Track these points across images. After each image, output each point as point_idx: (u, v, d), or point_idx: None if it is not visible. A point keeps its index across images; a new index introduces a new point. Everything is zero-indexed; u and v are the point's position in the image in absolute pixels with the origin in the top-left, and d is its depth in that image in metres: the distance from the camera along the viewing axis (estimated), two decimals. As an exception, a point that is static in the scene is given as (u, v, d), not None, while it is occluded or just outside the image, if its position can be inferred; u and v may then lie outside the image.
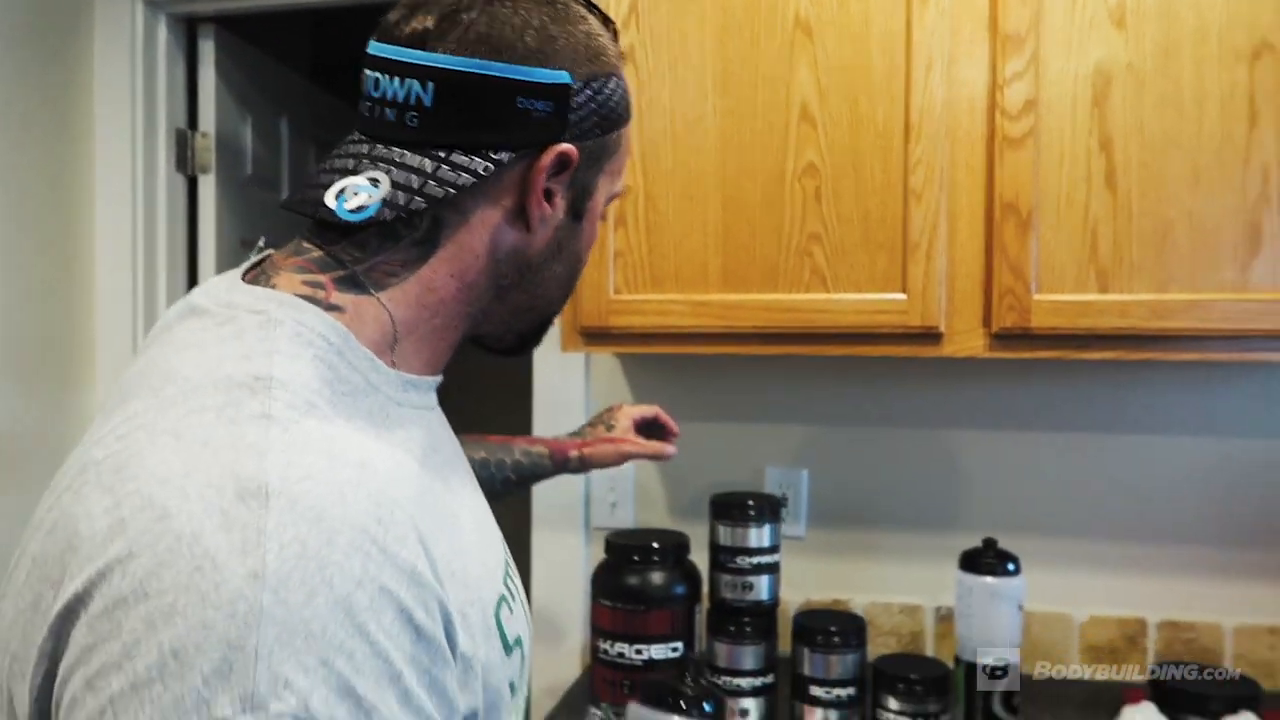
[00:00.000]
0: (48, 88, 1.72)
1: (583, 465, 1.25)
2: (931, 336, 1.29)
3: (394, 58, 0.63)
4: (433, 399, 0.70)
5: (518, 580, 0.72)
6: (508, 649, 0.63)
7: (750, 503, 1.30)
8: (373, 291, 0.63)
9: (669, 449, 1.25)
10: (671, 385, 1.67)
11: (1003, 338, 1.28)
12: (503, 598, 0.64)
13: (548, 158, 0.64)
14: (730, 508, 1.31)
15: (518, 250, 0.67)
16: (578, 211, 0.69)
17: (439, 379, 0.70)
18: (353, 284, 0.63)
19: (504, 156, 0.63)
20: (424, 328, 0.66)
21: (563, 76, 0.64)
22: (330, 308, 0.61)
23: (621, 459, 1.25)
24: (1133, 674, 1.50)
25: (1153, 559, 1.53)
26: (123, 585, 0.48)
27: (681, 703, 0.78)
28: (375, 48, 0.65)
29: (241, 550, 0.48)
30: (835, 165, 1.30)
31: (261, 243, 0.73)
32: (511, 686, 0.63)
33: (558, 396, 1.68)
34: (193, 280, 1.93)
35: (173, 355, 0.59)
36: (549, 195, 0.66)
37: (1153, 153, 1.24)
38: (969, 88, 1.28)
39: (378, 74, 0.64)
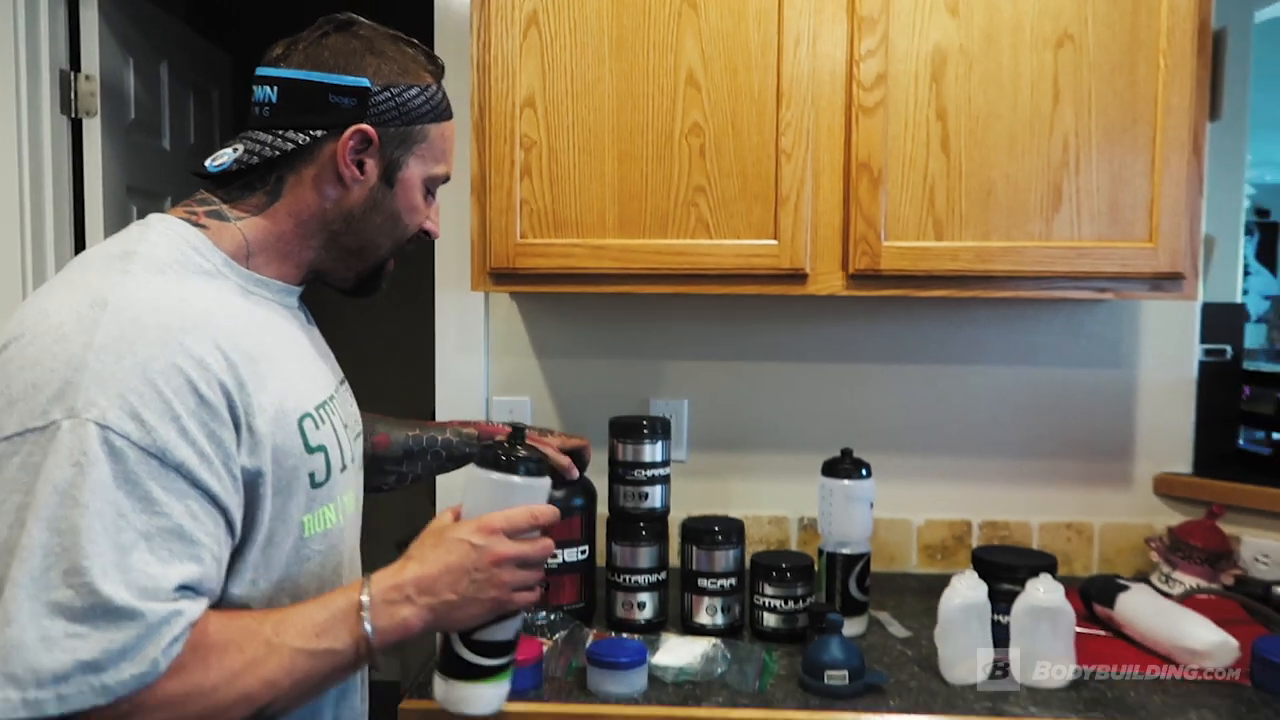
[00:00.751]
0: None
1: None
2: (799, 277, 1.49)
3: (260, 72, 0.95)
4: (287, 300, 0.98)
5: (342, 422, 0.99)
6: (309, 449, 0.89)
7: (644, 423, 1.47)
8: (232, 220, 0.93)
9: (574, 472, 1.37)
10: (564, 325, 1.83)
11: (858, 278, 1.49)
12: (309, 415, 0.91)
13: (349, 133, 0.93)
14: (628, 427, 1.48)
15: (338, 203, 0.95)
16: (389, 179, 0.97)
17: (295, 289, 0.99)
18: (218, 216, 0.93)
19: (319, 133, 0.93)
20: (270, 250, 0.94)
21: (363, 81, 0.94)
22: (197, 225, 0.91)
23: None
24: (960, 568, 1.77)
25: (976, 470, 1.81)
26: (12, 350, 0.77)
27: (512, 463, 0.90)
28: (257, 69, 0.96)
29: (83, 332, 0.76)
30: (717, 126, 1.48)
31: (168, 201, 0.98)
32: (311, 477, 0.90)
33: (459, 336, 1.80)
34: (79, 226, 1.92)
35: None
36: (360, 164, 0.95)
37: (979, 123, 1.47)
38: (831, 61, 1.47)
39: (254, 85, 0.95)
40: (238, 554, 0.84)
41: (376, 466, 1.33)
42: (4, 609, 0.70)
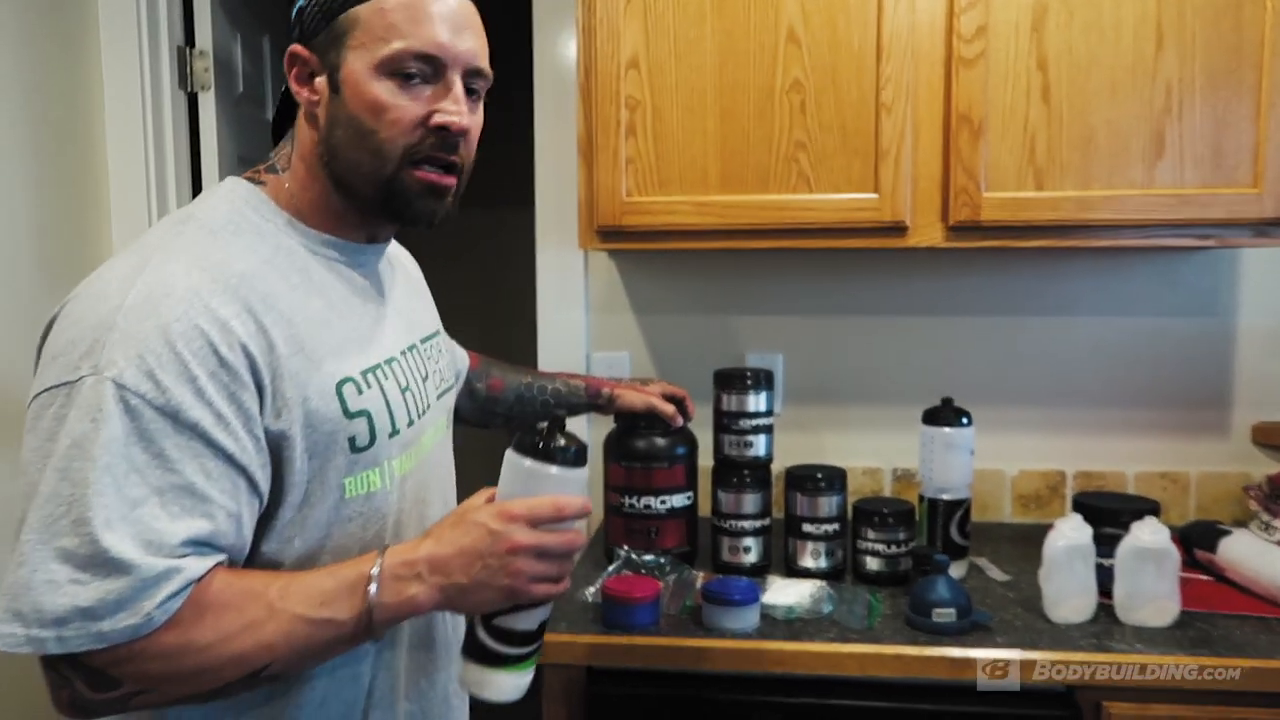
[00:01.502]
0: (57, 9, 1.78)
1: (610, 404, 1.47)
2: (899, 230, 1.52)
3: None
4: (359, 259, 0.96)
5: (415, 377, 0.99)
6: (347, 414, 0.88)
7: (748, 374, 1.52)
8: (280, 171, 0.94)
9: (679, 420, 1.46)
10: (660, 281, 1.88)
11: (958, 230, 1.51)
12: (351, 380, 0.89)
13: (286, 59, 0.92)
14: (732, 378, 1.53)
15: (316, 130, 0.91)
16: (335, 86, 0.89)
17: (365, 247, 0.97)
18: (271, 169, 0.94)
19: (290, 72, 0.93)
20: (305, 198, 0.93)
21: (299, 3, 0.91)
22: (256, 182, 0.93)
23: (645, 408, 1.46)
24: (1055, 518, 1.79)
25: (1070, 421, 1.82)
26: (65, 309, 0.82)
27: (546, 450, 0.85)
28: None
29: (119, 294, 0.79)
30: (817, 81, 1.50)
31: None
32: (351, 442, 0.88)
33: (560, 293, 1.87)
34: (196, 195, 2.02)
35: None
36: (311, 87, 0.91)
37: (1080, 71, 1.47)
38: (930, 15, 1.48)
39: None
40: (271, 513, 0.85)
41: (488, 407, 1.42)
42: (19, 549, 0.74)
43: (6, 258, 1.66)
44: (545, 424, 0.87)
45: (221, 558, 0.80)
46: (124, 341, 0.76)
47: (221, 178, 2.00)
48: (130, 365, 0.75)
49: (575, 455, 0.87)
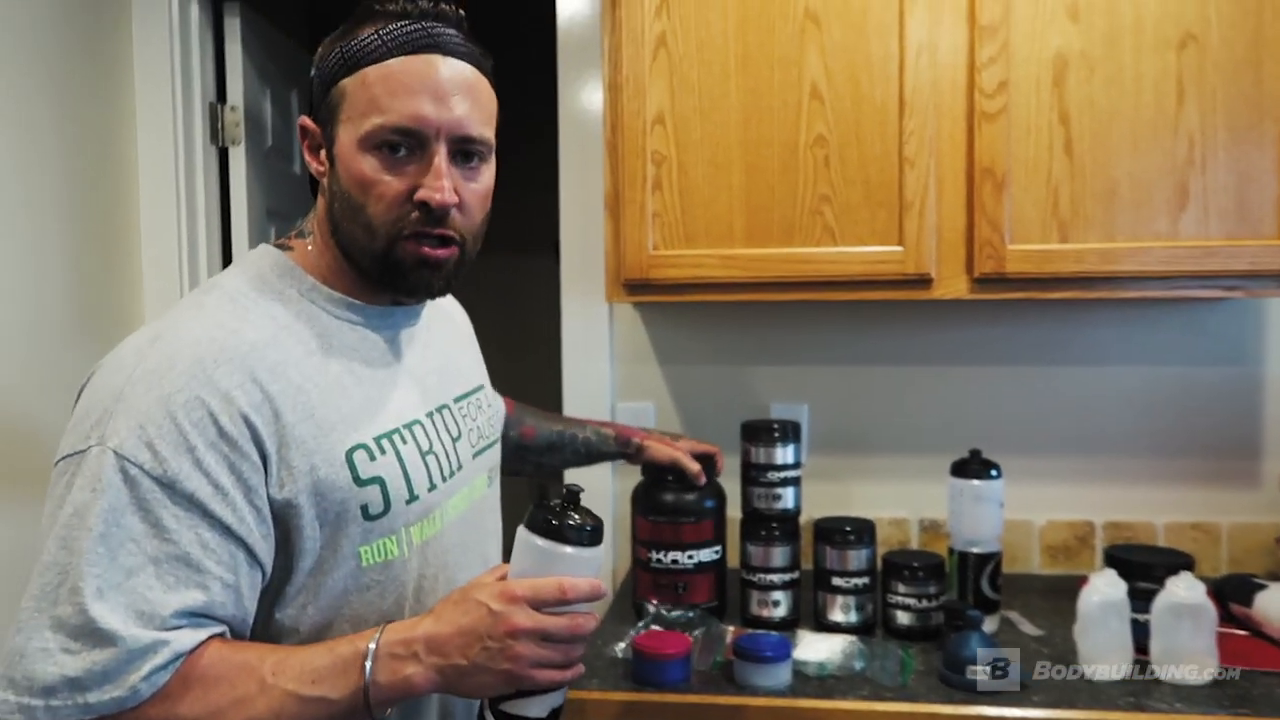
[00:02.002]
0: (93, 65, 1.83)
1: (639, 454, 1.47)
2: (923, 282, 1.52)
3: None
4: (384, 323, 0.96)
5: (443, 436, 0.99)
6: (358, 482, 0.86)
7: (776, 425, 1.53)
8: (306, 236, 0.95)
9: (702, 479, 1.46)
10: (685, 331, 1.89)
11: (982, 281, 1.52)
12: (363, 447, 0.88)
13: (299, 131, 0.94)
14: (760, 431, 1.53)
15: (325, 200, 0.93)
16: (331, 159, 0.90)
17: (391, 309, 0.96)
18: (300, 235, 0.96)
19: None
20: (324, 262, 0.93)
21: (312, 76, 0.93)
22: (283, 248, 0.95)
23: (671, 462, 1.46)
24: (1084, 569, 1.78)
25: (1098, 470, 1.81)
26: (90, 379, 0.84)
27: (558, 529, 0.83)
28: None
29: (131, 365, 0.81)
30: (841, 136, 1.52)
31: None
32: (364, 510, 0.87)
33: (585, 343, 1.88)
34: (227, 249, 2.06)
35: None
36: (315, 153, 0.92)
37: (1102, 125, 1.48)
38: (952, 70, 1.51)
39: None
40: (284, 580, 0.85)
41: (520, 454, 1.43)
42: (19, 615, 0.75)
43: (43, 311, 1.69)
44: (559, 501, 0.85)
45: (217, 629, 0.80)
46: (128, 412, 0.77)
47: (251, 229, 2.05)
48: (131, 435, 0.76)
49: (590, 534, 0.84)
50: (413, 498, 0.91)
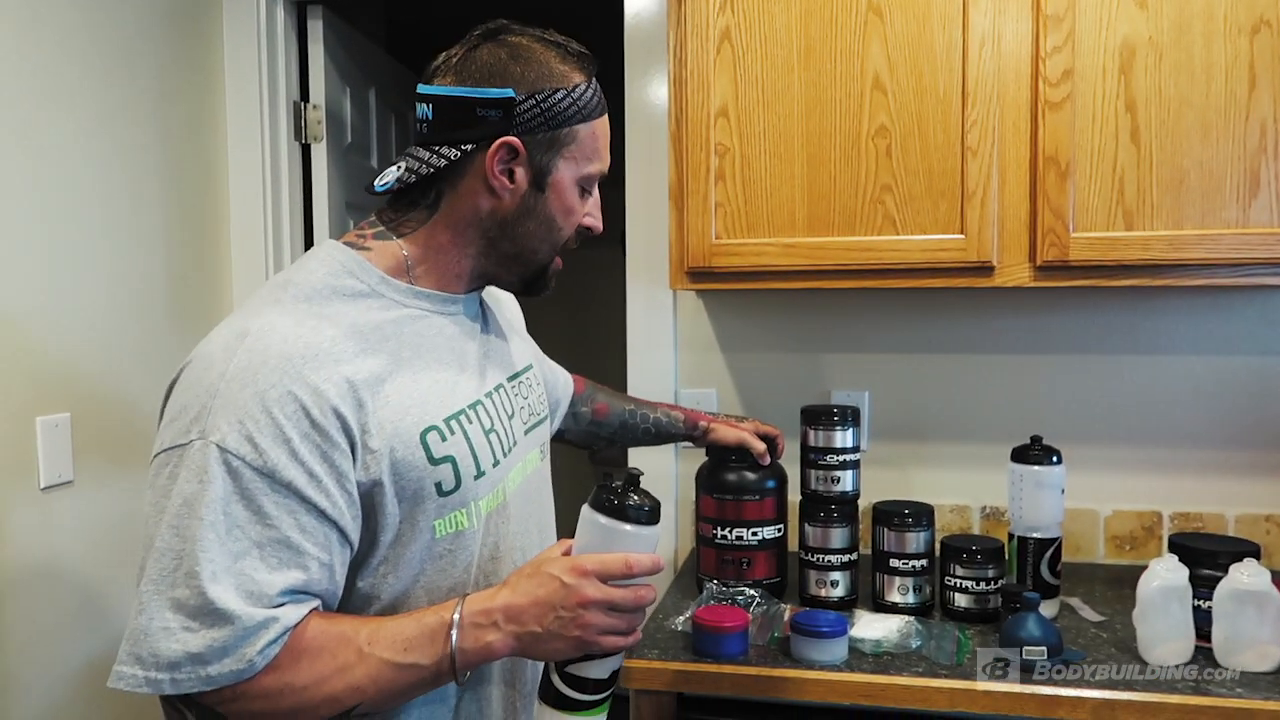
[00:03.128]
0: (187, 68, 1.94)
1: (705, 436, 1.54)
2: (985, 269, 1.54)
3: (419, 90, 1.00)
4: (449, 308, 1.02)
5: (501, 415, 1.05)
6: (432, 461, 0.92)
7: (835, 410, 1.55)
8: (395, 238, 1.00)
9: (768, 458, 1.54)
10: (747, 319, 1.93)
11: (1045, 269, 1.52)
12: (435, 428, 0.94)
13: (495, 145, 0.96)
14: (819, 415, 1.56)
15: (493, 212, 0.99)
16: (540, 184, 0.99)
17: (457, 296, 1.03)
18: (383, 236, 1.00)
19: (469, 147, 0.97)
20: (430, 261, 1.00)
21: (508, 92, 0.96)
22: (360, 248, 0.98)
23: (738, 442, 1.52)
24: (1150, 559, 1.76)
25: (1166, 461, 1.80)
26: (181, 374, 0.89)
27: (620, 508, 0.90)
28: (418, 86, 1.01)
29: (223, 361, 0.86)
30: (903, 126, 1.54)
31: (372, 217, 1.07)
32: (438, 487, 0.93)
33: (649, 331, 1.93)
34: (309, 240, 2.16)
35: None
36: (510, 174, 0.98)
37: (1170, 112, 1.48)
38: (1015, 59, 1.51)
39: (415, 102, 1.01)
40: (366, 553, 0.91)
41: (593, 430, 1.50)
42: (138, 598, 0.82)
43: (145, 296, 1.81)
44: (621, 482, 0.92)
45: (316, 604, 0.86)
46: (226, 408, 0.83)
47: (331, 222, 2.14)
48: (232, 430, 0.82)
49: (649, 514, 0.91)
50: (480, 473, 0.97)
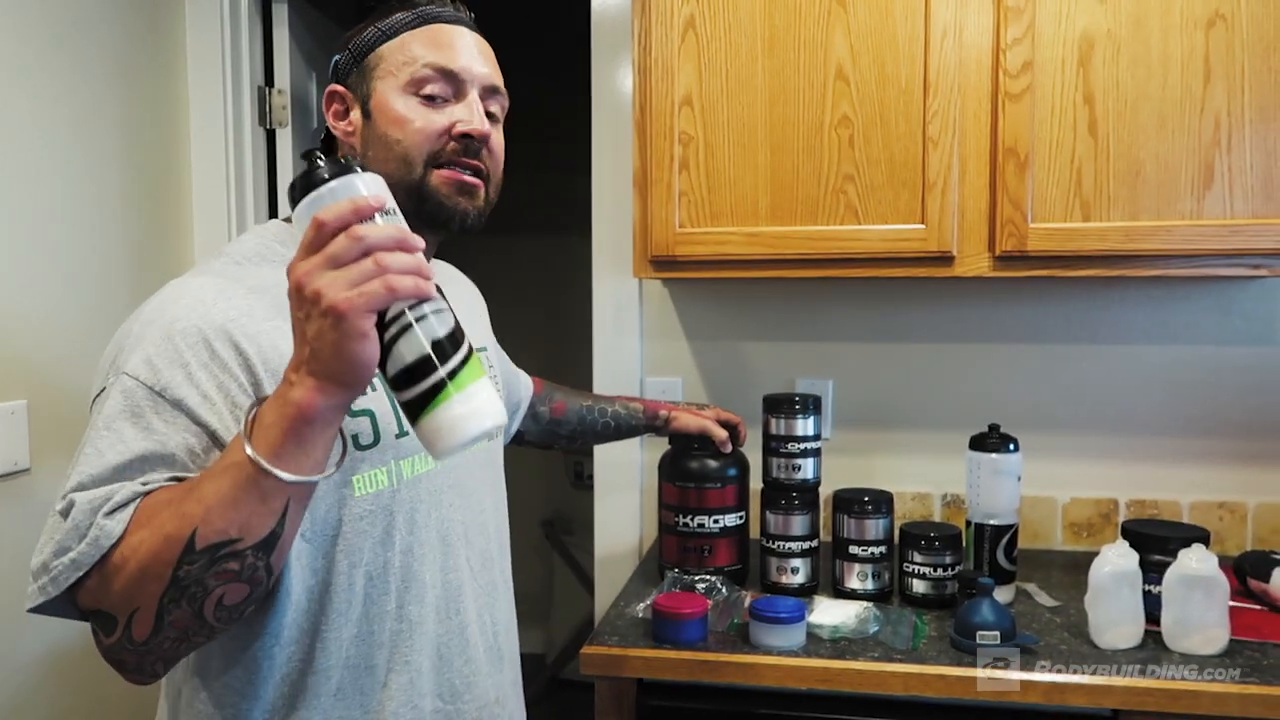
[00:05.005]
0: (148, 51, 1.92)
1: (667, 425, 1.54)
2: (945, 259, 1.55)
3: None
4: None
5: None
6: (349, 411, 0.82)
7: (797, 398, 1.57)
8: None
9: (729, 446, 1.54)
10: (712, 308, 1.93)
11: (1004, 259, 1.54)
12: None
13: (324, 100, 1.04)
14: (780, 403, 1.57)
15: (358, 154, 1.01)
16: (367, 112, 1.00)
17: None
18: None
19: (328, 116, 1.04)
20: None
21: (336, 57, 1.04)
22: (288, 221, 0.99)
23: (699, 430, 1.53)
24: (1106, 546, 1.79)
25: (1123, 449, 1.83)
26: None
27: (295, 183, 0.75)
28: None
29: (144, 312, 0.90)
30: (865, 117, 1.55)
31: None
32: (355, 439, 0.92)
33: (615, 320, 1.93)
34: (274, 225, 2.14)
35: None
36: (346, 118, 1.02)
37: (1127, 105, 1.49)
38: (977, 51, 1.53)
39: None
40: None
41: (551, 429, 1.50)
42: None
43: (107, 288, 1.79)
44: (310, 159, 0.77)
45: (179, 475, 0.83)
46: (135, 344, 0.87)
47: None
48: (134, 358, 0.86)
49: (332, 167, 0.74)
50: (402, 433, 0.96)
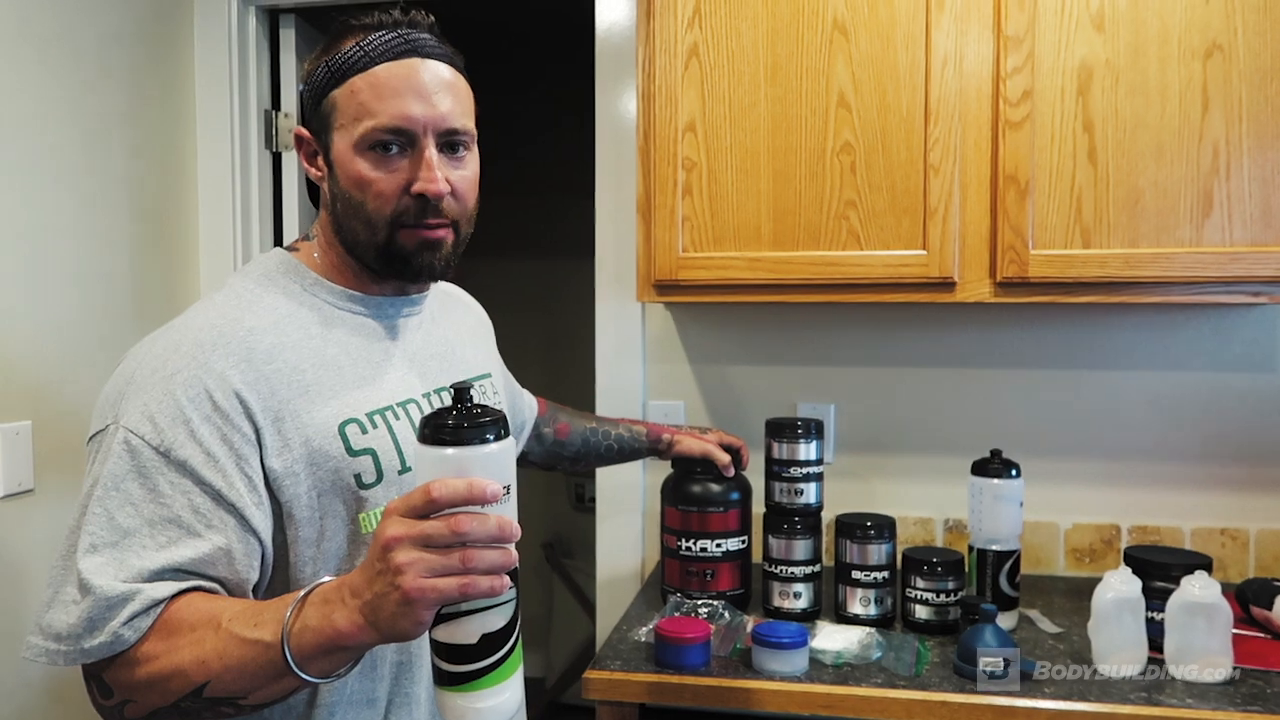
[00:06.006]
0: (158, 75, 1.94)
1: (669, 449, 1.55)
2: (947, 285, 1.56)
3: None
4: (386, 312, 1.03)
5: (410, 428, 0.99)
6: (351, 452, 0.93)
7: (799, 423, 1.57)
8: (311, 239, 1.03)
9: (731, 470, 1.54)
10: (715, 332, 1.94)
11: (1005, 285, 1.55)
12: (354, 421, 0.94)
13: (295, 142, 1.02)
14: (783, 427, 1.58)
15: (326, 203, 1.01)
16: (330, 165, 0.98)
17: (394, 299, 1.03)
18: (305, 238, 1.04)
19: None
20: (329, 260, 1.01)
21: (301, 91, 1.02)
22: (291, 250, 1.03)
23: (702, 454, 1.54)
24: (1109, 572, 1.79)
25: (1124, 475, 1.83)
26: (117, 366, 0.93)
27: (427, 431, 0.75)
28: None
29: (145, 352, 0.91)
30: (867, 144, 1.57)
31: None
32: (358, 479, 0.93)
33: (618, 343, 1.94)
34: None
35: None
36: (311, 161, 1.00)
37: (1126, 133, 1.51)
38: (977, 79, 1.54)
39: None
40: (292, 550, 0.91)
41: (555, 450, 1.50)
42: (50, 574, 0.84)
43: (113, 311, 1.79)
44: (450, 406, 0.77)
45: (204, 585, 0.85)
46: (137, 393, 0.86)
47: (301, 231, 2.14)
48: (136, 412, 0.85)
49: (455, 430, 0.74)
50: (405, 469, 0.96)
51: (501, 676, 0.77)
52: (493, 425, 0.75)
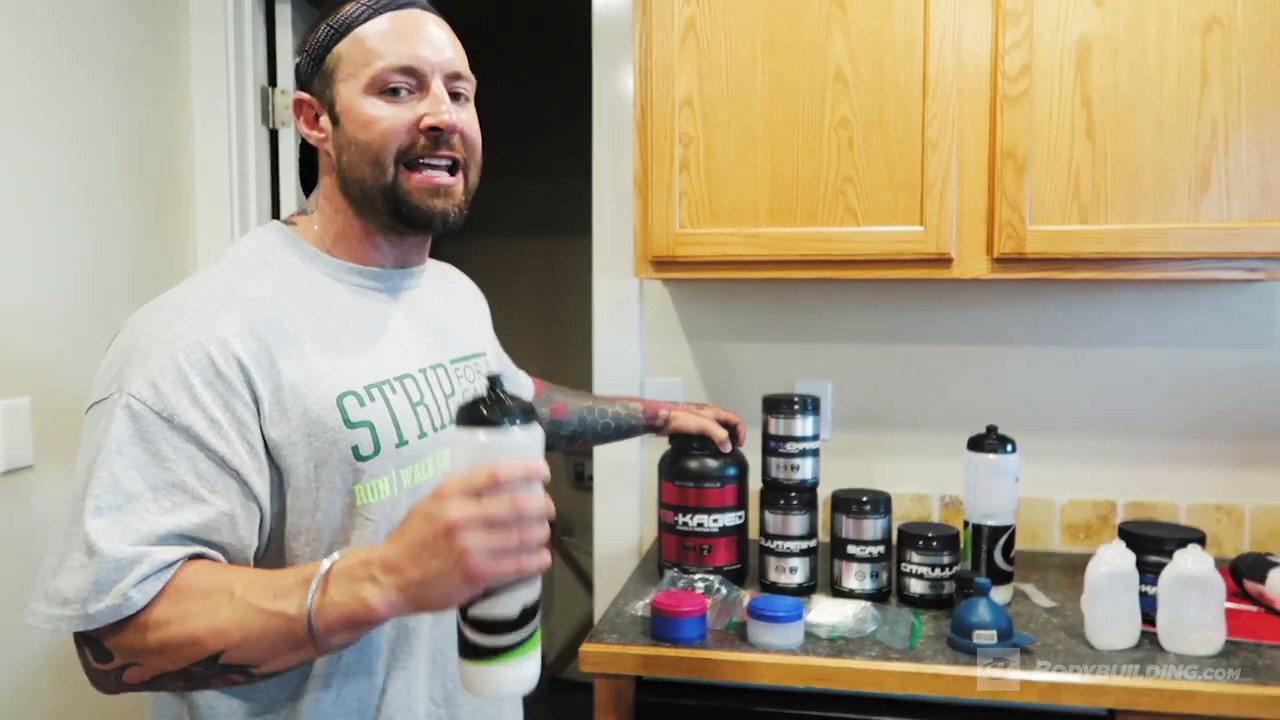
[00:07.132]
0: (153, 51, 1.93)
1: (666, 425, 1.55)
2: (944, 261, 1.56)
3: None
4: (387, 285, 1.04)
5: (431, 395, 1.03)
6: (348, 424, 0.93)
7: (796, 399, 1.58)
8: (310, 213, 1.05)
9: (728, 445, 1.55)
10: (713, 309, 1.94)
11: (1002, 261, 1.55)
12: (352, 393, 0.94)
13: (292, 109, 1.04)
14: (779, 403, 1.58)
15: (329, 164, 1.01)
16: (335, 118, 0.99)
17: (393, 271, 1.05)
18: (304, 213, 1.05)
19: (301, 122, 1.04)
20: (333, 231, 1.01)
21: (298, 60, 1.03)
22: (288, 223, 1.04)
23: (699, 430, 1.54)
24: (1102, 546, 1.80)
25: (1120, 451, 1.83)
26: (114, 337, 0.94)
27: (478, 416, 0.78)
28: None
29: (145, 322, 0.91)
30: (865, 119, 1.56)
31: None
32: (355, 450, 0.93)
33: (615, 321, 1.94)
34: (276, 225, 2.15)
35: None
36: (317, 124, 1.01)
37: (1124, 109, 1.50)
38: (975, 54, 1.54)
39: None
40: (289, 519, 0.92)
41: (552, 430, 1.50)
42: (53, 541, 0.84)
43: (110, 286, 1.79)
44: (484, 391, 0.80)
45: (209, 551, 0.86)
46: (140, 360, 0.87)
47: (299, 206, 2.13)
48: (139, 378, 0.86)
49: (511, 414, 0.78)
50: (402, 442, 0.97)
51: (535, 643, 0.82)
52: (531, 412, 0.81)
